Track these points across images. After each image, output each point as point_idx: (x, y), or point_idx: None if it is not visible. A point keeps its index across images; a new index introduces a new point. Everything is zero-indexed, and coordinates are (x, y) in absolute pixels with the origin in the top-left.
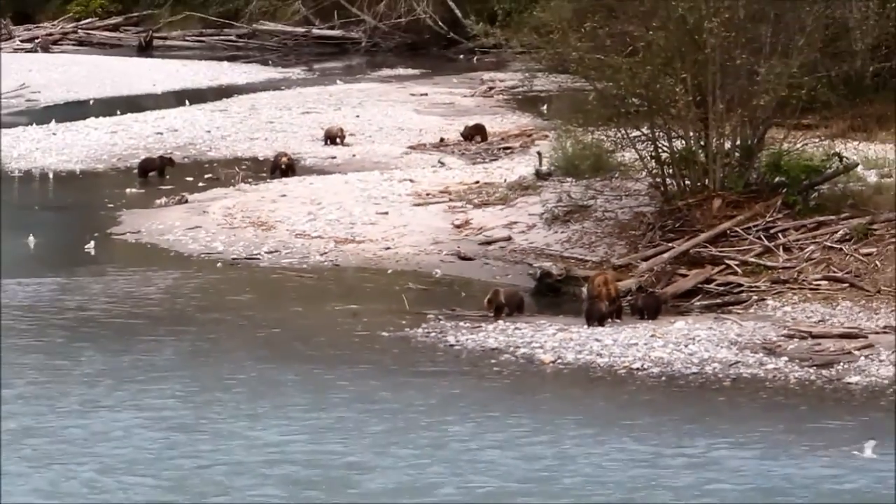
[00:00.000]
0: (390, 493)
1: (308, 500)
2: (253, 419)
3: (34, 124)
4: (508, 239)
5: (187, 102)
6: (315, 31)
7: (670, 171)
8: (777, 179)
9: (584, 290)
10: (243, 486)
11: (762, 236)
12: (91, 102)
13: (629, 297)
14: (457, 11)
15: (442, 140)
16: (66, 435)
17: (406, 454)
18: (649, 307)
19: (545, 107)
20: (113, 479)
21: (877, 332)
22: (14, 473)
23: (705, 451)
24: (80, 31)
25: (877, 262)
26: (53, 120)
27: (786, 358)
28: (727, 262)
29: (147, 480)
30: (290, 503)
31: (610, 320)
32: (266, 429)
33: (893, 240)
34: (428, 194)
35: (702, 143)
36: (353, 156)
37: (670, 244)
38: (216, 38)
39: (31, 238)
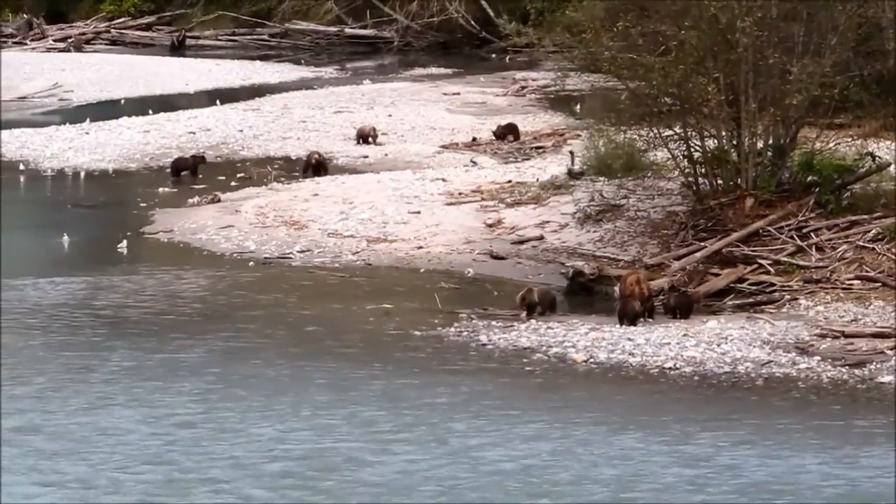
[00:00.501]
0: (377, 488)
1: (289, 496)
2: (264, 417)
3: (67, 123)
4: (541, 238)
5: (219, 102)
6: (347, 30)
7: (703, 170)
8: (809, 179)
9: (617, 289)
10: (234, 481)
11: (794, 236)
12: (122, 102)
13: (661, 297)
14: (489, 11)
15: (474, 139)
16: (67, 432)
17: (408, 450)
18: (681, 306)
19: (578, 106)
20: (104, 475)
21: None
22: (10, 470)
23: (711, 448)
24: (112, 30)
25: None
26: (88, 119)
27: (818, 357)
28: (759, 261)
29: (137, 477)
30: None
31: (642, 319)
32: (273, 425)
33: None
34: (460, 193)
35: (734, 142)
36: (386, 155)
37: (703, 243)
38: (249, 37)
39: (66, 237)
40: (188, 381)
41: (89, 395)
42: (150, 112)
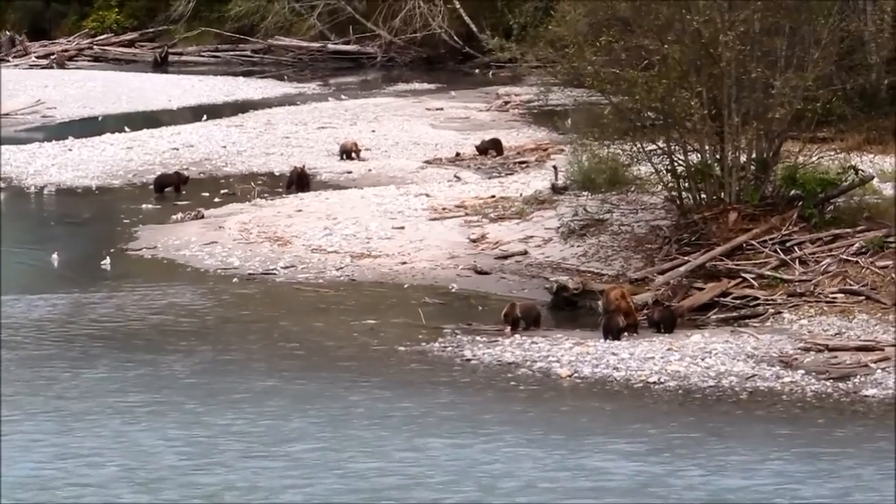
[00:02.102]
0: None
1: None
2: (180, 426)
3: (51, 140)
4: (525, 253)
5: (205, 117)
6: (331, 46)
7: (686, 184)
8: (793, 192)
9: (600, 303)
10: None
11: (778, 249)
12: (100, 118)
13: (645, 311)
14: (472, 26)
15: (458, 154)
16: None
17: (299, 456)
18: (665, 320)
19: (568, 121)
20: None
21: (893, 345)
22: None
23: (691, 462)
24: (95, 46)
25: (893, 275)
26: (71, 136)
27: (802, 371)
28: (743, 275)
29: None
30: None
31: (626, 334)
32: (172, 436)
33: None
34: (444, 209)
35: (717, 156)
36: (369, 170)
37: (686, 258)
38: (232, 53)
39: (55, 256)
40: (139, 395)
41: (20, 406)
42: (127, 129)
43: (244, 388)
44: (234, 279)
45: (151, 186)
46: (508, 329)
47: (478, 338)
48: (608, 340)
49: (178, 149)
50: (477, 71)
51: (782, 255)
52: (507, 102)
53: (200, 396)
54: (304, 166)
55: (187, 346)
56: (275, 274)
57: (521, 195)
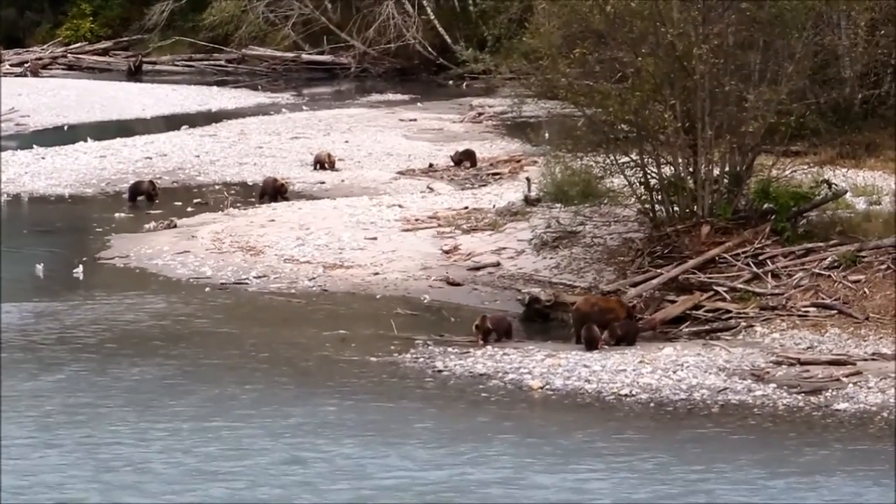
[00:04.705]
0: None
1: None
2: (113, 434)
3: (32, 146)
4: (497, 265)
5: (186, 126)
6: (304, 56)
7: (659, 197)
8: (766, 206)
9: (571, 316)
10: None
11: (751, 263)
12: (66, 128)
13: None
14: (446, 37)
15: (431, 166)
16: None
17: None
18: (629, 335)
19: (546, 134)
20: None
21: (865, 359)
22: None
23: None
24: (69, 55)
25: (865, 289)
26: (42, 144)
27: (774, 385)
28: (716, 288)
29: None
30: None
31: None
32: (70, 443)
33: (882, 267)
34: (417, 220)
35: (690, 169)
36: (342, 181)
37: (659, 270)
38: (206, 62)
39: (40, 266)
40: (79, 398)
41: None
42: (89, 139)
43: (206, 396)
44: (207, 288)
45: (125, 195)
46: (480, 340)
47: (449, 349)
48: (592, 351)
49: (151, 158)
50: (451, 82)
51: (755, 269)
52: (480, 114)
53: (152, 403)
54: (284, 182)
55: (155, 355)
56: (247, 283)
57: (494, 207)
